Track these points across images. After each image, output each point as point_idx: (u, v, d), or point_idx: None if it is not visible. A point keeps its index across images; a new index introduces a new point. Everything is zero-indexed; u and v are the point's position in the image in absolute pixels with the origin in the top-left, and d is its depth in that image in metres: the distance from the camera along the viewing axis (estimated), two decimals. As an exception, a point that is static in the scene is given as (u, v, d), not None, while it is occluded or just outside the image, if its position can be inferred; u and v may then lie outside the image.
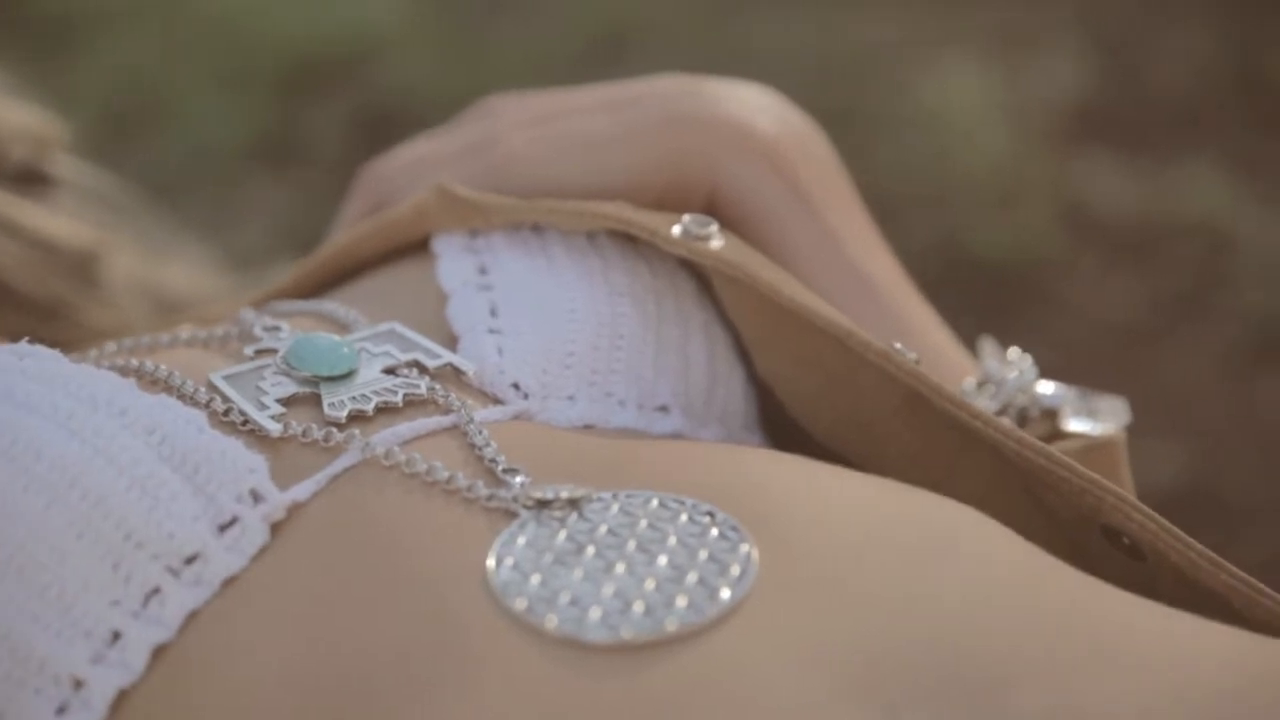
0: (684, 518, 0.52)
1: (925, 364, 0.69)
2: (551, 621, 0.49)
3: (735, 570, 0.50)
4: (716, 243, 0.64)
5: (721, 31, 2.17)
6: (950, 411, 0.60)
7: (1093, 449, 0.70)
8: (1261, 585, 0.56)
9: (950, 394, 0.60)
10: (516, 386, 0.61)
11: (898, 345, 0.62)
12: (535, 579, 0.50)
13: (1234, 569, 0.56)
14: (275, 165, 1.94)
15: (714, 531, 0.52)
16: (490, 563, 0.51)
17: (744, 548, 0.51)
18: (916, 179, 1.91)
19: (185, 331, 0.65)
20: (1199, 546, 0.57)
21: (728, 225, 0.72)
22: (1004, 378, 0.72)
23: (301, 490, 0.54)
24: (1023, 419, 0.71)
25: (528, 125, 0.74)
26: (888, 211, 1.85)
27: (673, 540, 0.51)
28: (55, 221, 0.74)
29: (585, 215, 0.65)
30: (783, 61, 2.05)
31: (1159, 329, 1.74)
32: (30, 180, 0.76)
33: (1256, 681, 0.50)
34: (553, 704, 0.47)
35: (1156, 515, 0.58)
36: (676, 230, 0.64)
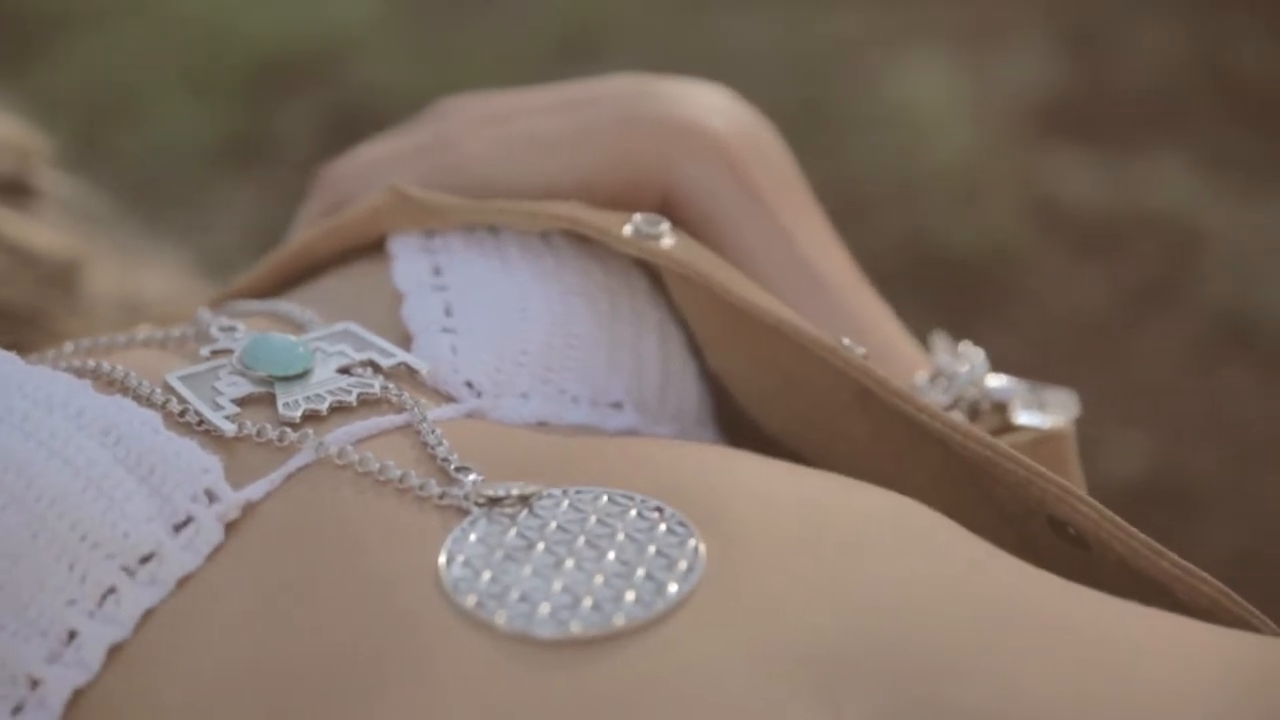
0: (633, 513, 0.53)
1: (877, 359, 0.70)
2: (501, 617, 0.49)
3: (683, 565, 0.51)
4: (668, 241, 0.65)
5: (691, 29, 2.18)
6: (897, 405, 0.61)
7: (1042, 441, 0.71)
8: (1203, 573, 0.57)
9: (897, 388, 0.61)
10: (470, 385, 0.61)
11: (846, 340, 0.63)
12: (486, 576, 0.51)
13: (1176, 557, 0.57)
14: (245, 165, 1.94)
15: (662, 527, 0.52)
16: (441, 560, 0.51)
17: (692, 543, 0.52)
18: (885, 174, 1.92)
19: (142, 332, 0.66)
20: (1141, 536, 0.58)
21: (682, 225, 0.72)
22: (955, 372, 0.72)
23: (256, 490, 0.55)
24: (974, 412, 0.72)
25: (483, 126, 0.74)
26: (856, 207, 1.87)
27: (621, 536, 0.52)
28: (37, 232, 0.75)
29: (538, 216, 0.66)
30: (752, 58, 2.06)
31: (1125, 322, 1.75)
32: (12, 192, 0.77)
33: (1199, 667, 0.51)
34: (503, 698, 0.48)
35: (1100, 505, 0.58)
36: (628, 230, 0.65)
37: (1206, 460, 1.60)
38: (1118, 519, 0.58)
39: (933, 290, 1.75)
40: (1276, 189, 1.90)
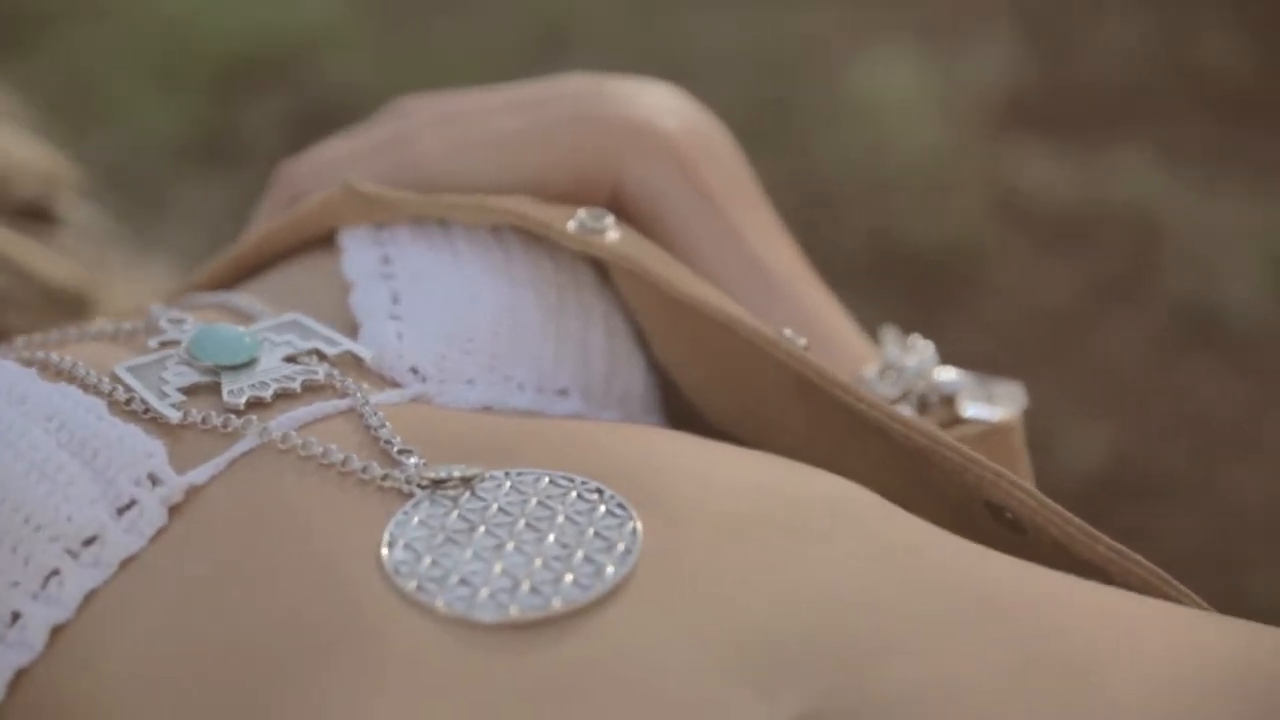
0: (573, 495, 0.54)
1: (825, 352, 0.70)
2: (440, 602, 0.50)
3: (621, 547, 0.52)
4: (613, 234, 0.66)
5: (660, 27, 2.19)
6: (837, 396, 0.62)
7: (990, 434, 0.71)
8: (1136, 555, 0.58)
9: (835, 378, 0.62)
10: (415, 370, 0.62)
11: (788, 332, 0.64)
12: (427, 560, 0.52)
13: (1109, 540, 0.58)
14: (214, 163, 1.95)
15: (601, 509, 0.53)
16: (383, 543, 0.52)
17: (630, 525, 0.53)
18: (852, 169, 1.93)
19: (94, 326, 0.66)
20: (1076, 520, 0.58)
21: (633, 222, 0.73)
22: (903, 365, 0.73)
23: (199, 474, 0.56)
24: (923, 405, 0.73)
25: (438, 125, 0.75)
26: (824, 201, 1.88)
27: (561, 518, 0.53)
28: (52, 263, 0.75)
29: (484, 210, 0.67)
30: (720, 56, 2.07)
31: (1090, 313, 1.76)
32: (34, 217, 0.77)
33: (1143, 638, 0.51)
34: (443, 679, 0.49)
35: (1035, 490, 0.59)
36: (572, 225, 0.66)
37: (1170, 452, 1.61)
38: (1052, 503, 0.59)
39: (899, 285, 1.76)
40: (1240, 182, 1.92)
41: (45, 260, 0.74)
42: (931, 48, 2.11)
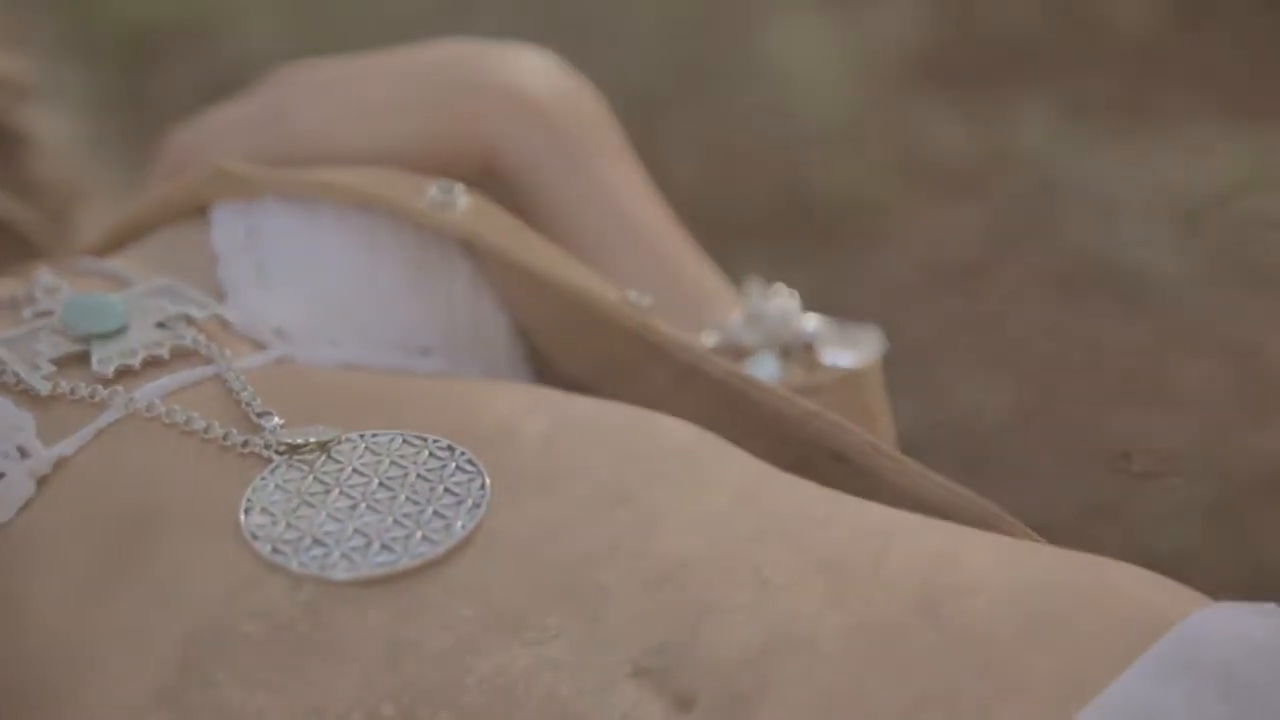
0: (425, 454, 0.56)
1: (692, 304, 0.73)
2: (295, 563, 0.53)
3: (470, 502, 0.54)
4: (464, 201, 0.68)
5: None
6: (680, 356, 0.65)
7: (849, 378, 0.74)
8: (968, 492, 0.60)
9: (674, 338, 0.65)
10: (279, 332, 0.64)
11: (632, 294, 0.66)
12: (283, 523, 0.54)
13: (941, 479, 0.61)
14: (124, 133, 1.94)
15: (452, 465, 0.56)
16: (240, 509, 0.54)
17: (479, 480, 0.55)
18: (758, 126, 1.95)
19: None
20: (909, 461, 0.61)
21: (506, 186, 0.76)
22: (766, 313, 0.76)
23: (67, 446, 0.58)
24: (786, 352, 0.76)
25: (311, 94, 0.77)
26: (732, 157, 1.89)
27: (413, 476, 0.55)
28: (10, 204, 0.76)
29: (342, 192, 0.69)
30: (628, 15, 2.08)
31: (992, 265, 1.79)
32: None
33: (969, 574, 0.54)
34: (300, 637, 0.51)
35: (869, 436, 0.62)
36: (423, 202, 0.68)
37: (1069, 400, 1.64)
38: (884, 446, 0.62)
39: (806, 239, 1.78)
40: (1142, 135, 1.94)
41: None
42: (838, 4, 2.13)
